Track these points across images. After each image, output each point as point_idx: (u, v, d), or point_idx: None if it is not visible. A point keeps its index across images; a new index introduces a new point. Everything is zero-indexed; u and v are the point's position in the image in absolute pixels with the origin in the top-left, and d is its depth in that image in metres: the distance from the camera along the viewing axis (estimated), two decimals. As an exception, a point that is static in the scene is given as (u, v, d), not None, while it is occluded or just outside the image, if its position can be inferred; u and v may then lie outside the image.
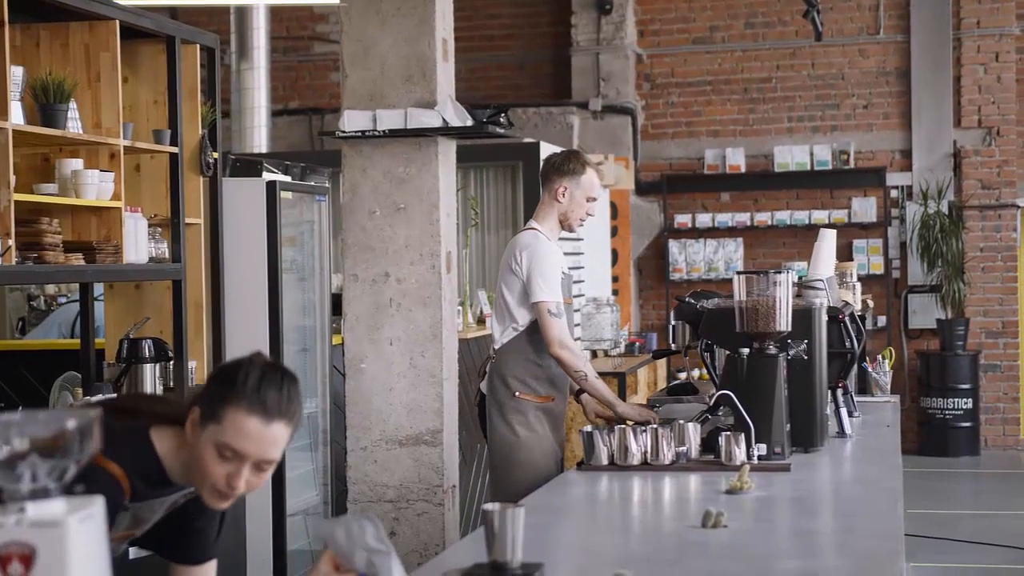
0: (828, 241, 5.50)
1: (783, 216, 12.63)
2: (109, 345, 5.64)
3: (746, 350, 4.39)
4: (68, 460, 1.76)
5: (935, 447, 12.13)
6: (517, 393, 5.16)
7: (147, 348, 5.35)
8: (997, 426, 12.47)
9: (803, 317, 4.53)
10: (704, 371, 12.16)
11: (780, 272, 4.41)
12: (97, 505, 1.78)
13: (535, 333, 5.14)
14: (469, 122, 5.85)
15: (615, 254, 12.36)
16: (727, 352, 4.54)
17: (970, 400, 12.12)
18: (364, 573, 2.52)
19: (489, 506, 2.72)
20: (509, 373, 5.18)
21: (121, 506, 2.61)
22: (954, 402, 12.10)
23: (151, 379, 5.35)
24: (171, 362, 5.51)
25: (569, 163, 5.27)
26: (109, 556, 1.83)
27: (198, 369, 5.78)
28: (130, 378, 5.32)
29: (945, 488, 10.93)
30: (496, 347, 5.26)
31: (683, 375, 12.31)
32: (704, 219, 12.76)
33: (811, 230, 12.44)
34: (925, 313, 12.46)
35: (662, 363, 10.89)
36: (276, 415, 2.56)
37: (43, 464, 1.75)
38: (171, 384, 5.54)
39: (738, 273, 4.45)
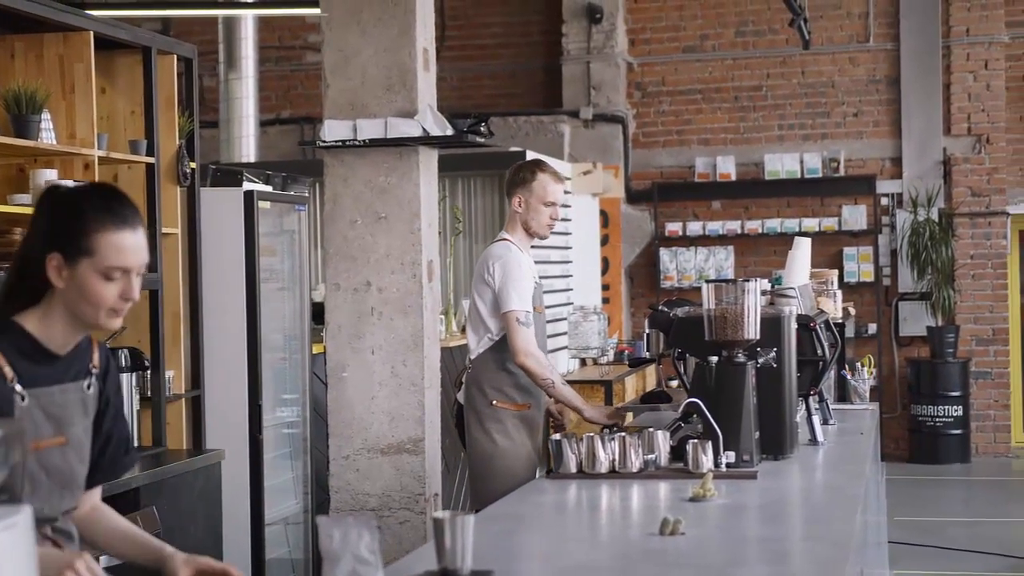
0: (802, 249, 5.52)
1: (774, 224, 12.65)
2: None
3: (715, 358, 4.40)
4: (-8, 469, 1.78)
5: (925, 454, 12.14)
6: (494, 402, 5.25)
7: (123, 357, 5.36)
8: (988, 433, 12.48)
9: (772, 325, 4.54)
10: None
11: (748, 280, 4.42)
12: (23, 514, 1.80)
13: None
14: (449, 131, 5.87)
15: (606, 262, 12.38)
16: (697, 360, 4.56)
17: (960, 407, 12.13)
18: None
19: (438, 514, 2.74)
20: (486, 382, 5.27)
21: (11, 390, 2.61)
22: (944, 409, 12.11)
23: (128, 388, 5.36)
24: (148, 372, 5.52)
25: (519, 173, 5.41)
26: (37, 564, 1.84)
27: (175, 379, 5.80)
28: (107, 387, 5.34)
29: (935, 495, 10.93)
30: (472, 357, 5.35)
31: (675, 383, 12.31)
32: (695, 227, 12.78)
33: (795, 238, 12.41)
34: (915, 320, 12.47)
35: (651, 371, 10.90)
36: (137, 222, 2.70)
37: (-33, 473, 1.76)
38: (148, 394, 5.55)
39: (707, 281, 4.47)
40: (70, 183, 2.75)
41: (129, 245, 2.66)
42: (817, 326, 5.02)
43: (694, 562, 3.05)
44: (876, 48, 12.68)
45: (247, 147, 10.56)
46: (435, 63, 6.21)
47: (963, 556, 8.44)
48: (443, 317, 7.89)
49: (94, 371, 2.80)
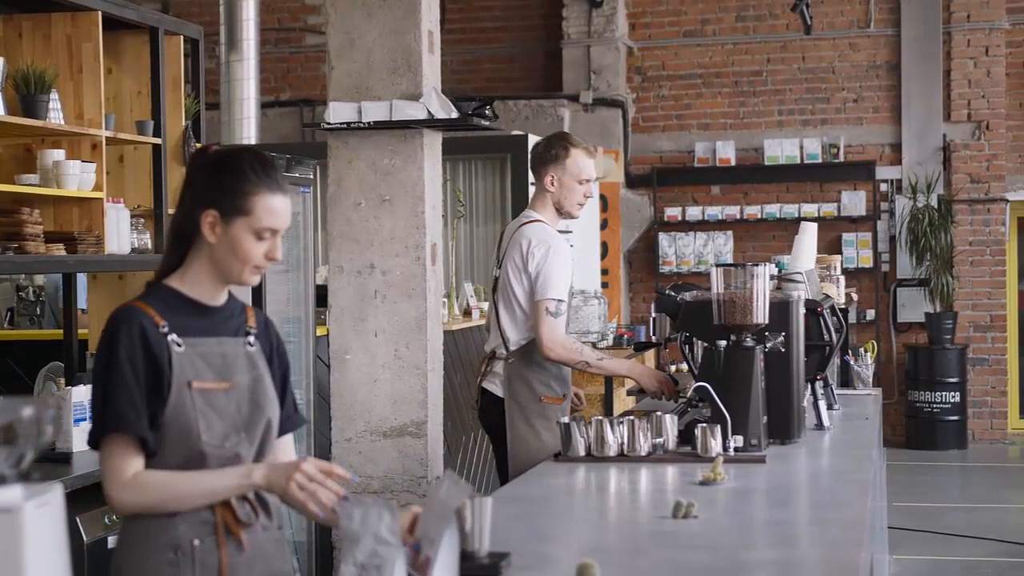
0: (809, 234, 5.52)
1: (773, 209, 12.66)
2: (92, 335, 5.65)
3: (723, 342, 4.40)
4: (25, 447, 1.78)
5: (923, 440, 12.17)
6: (542, 398, 5.04)
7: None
8: (984, 420, 12.51)
9: (781, 310, 4.54)
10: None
11: (758, 265, 4.42)
12: (56, 492, 1.80)
13: None
14: (454, 114, 5.86)
15: (605, 247, 12.38)
16: (705, 344, 4.56)
17: (958, 394, 12.16)
18: (361, 562, 2.56)
19: (457, 496, 2.74)
20: (533, 376, 5.05)
21: (164, 336, 2.77)
22: (942, 395, 12.14)
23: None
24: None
25: (551, 149, 5.15)
26: (67, 543, 1.84)
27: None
28: (113, 368, 5.32)
29: (932, 481, 10.96)
30: (511, 347, 5.10)
31: (673, 368, 12.33)
32: (694, 212, 12.79)
33: (800, 224, 12.43)
34: (914, 307, 12.49)
35: (651, 355, 10.92)
36: (287, 188, 2.87)
37: (-1, 451, 1.77)
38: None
39: (716, 266, 4.46)
40: (217, 146, 2.95)
41: (282, 209, 2.82)
42: (824, 311, 5.03)
43: (709, 544, 3.06)
44: (877, 34, 12.67)
45: (248, 129, 10.46)
46: (440, 46, 6.21)
47: (961, 541, 8.47)
48: (445, 300, 7.89)
49: (252, 331, 2.94)
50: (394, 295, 5.86)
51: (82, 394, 5.01)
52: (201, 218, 2.81)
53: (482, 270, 9.75)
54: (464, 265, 9.55)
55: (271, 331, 3.01)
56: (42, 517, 1.76)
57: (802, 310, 4.69)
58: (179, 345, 2.79)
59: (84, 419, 4.78)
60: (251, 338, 2.92)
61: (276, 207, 2.81)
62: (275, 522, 2.91)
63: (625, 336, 10.66)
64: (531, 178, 9.73)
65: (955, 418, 12.18)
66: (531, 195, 9.66)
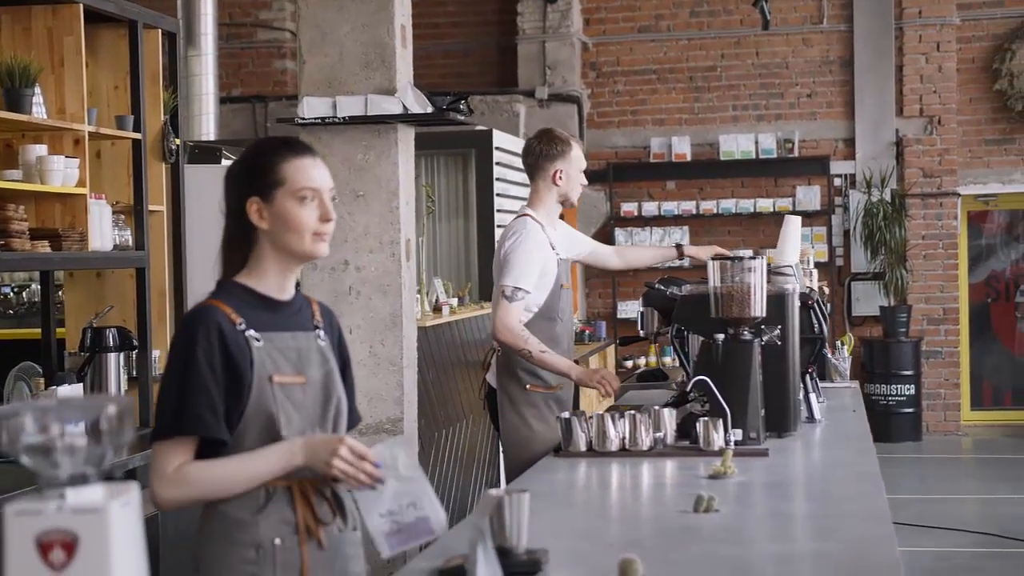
0: (794, 227, 5.53)
1: (728, 204, 12.70)
2: (70, 335, 5.55)
3: (721, 336, 4.40)
4: (107, 446, 1.74)
5: (878, 433, 12.08)
6: (528, 386, 5.12)
7: (111, 337, 5.27)
8: (938, 412, 12.63)
9: (776, 302, 4.54)
10: (654, 358, 12.19)
11: (755, 258, 4.42)
12: (134, 492, 1.76)
13: (540, 322, 5.07)
14: (429, 109, 5.83)
15: (561, 242, 12.36)
16: (701, 338, 4.55)
17: (912, 386, 12.27)
18: (389, 509, 2.57)
19: (495, 491, 2.71)
20: (518, 365, 5.12)
21: (242, 333, 2.76)
22: (897, 388, 12.24)
23: (115, 368, 5.27)
24: (135, 351, 5.43)
25: (555, 146, 5.25)
26: (145, 542, 1.80)
27: (162, 358, 5.70)
28: (94, 367, 5.25)
29: (890, 473, 10.94)
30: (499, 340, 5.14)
31: (629, 363, 12.36)
32: (650, 207, 12.81)
33: (756, 218, 12.54)
34: (868, 300, 12.59)
35: (611, 351, 10.94)
36: (315, 153, 2.89)
37: (81, 450, 1.72)
38: (135, 374, 5.46)
39: (713, 259, 4.46)
40: (257, 139, 3.00)
41: (311, 167, 2.83)
42: (814, 304, 5.04)
43: (739, 538, 3.04)
44: (830, 29, 12.75)
45: (207, 125, 10.40)
46: (412, 40, 6.17)
47: (921, 532, 8.54)
48: (417, 297, 7.84)
49: (320, 324, 2.92)
50: (368, 291, 5.83)
51: (67, 394, 4.94)
52: (247, 211, 2.81)
53: (448, 266, 9.71)
54: (430, 261, 9.49)
55: (335, 324, 3.00)
56: (125, 516, 1.72)
57: (797, 303, 4.70)
58: (258, 340, 2.78)
59: (72, 419, 4.69)
60: (321, 332, 2.91)
61: (306, 167, 2.82)
62: (349, 523, 2.89)
63: (586, 332, 10.66)
64: (498, 173, 9.72)
65: (910, 410, 12.29)
66: (496, 191, 9.66)
